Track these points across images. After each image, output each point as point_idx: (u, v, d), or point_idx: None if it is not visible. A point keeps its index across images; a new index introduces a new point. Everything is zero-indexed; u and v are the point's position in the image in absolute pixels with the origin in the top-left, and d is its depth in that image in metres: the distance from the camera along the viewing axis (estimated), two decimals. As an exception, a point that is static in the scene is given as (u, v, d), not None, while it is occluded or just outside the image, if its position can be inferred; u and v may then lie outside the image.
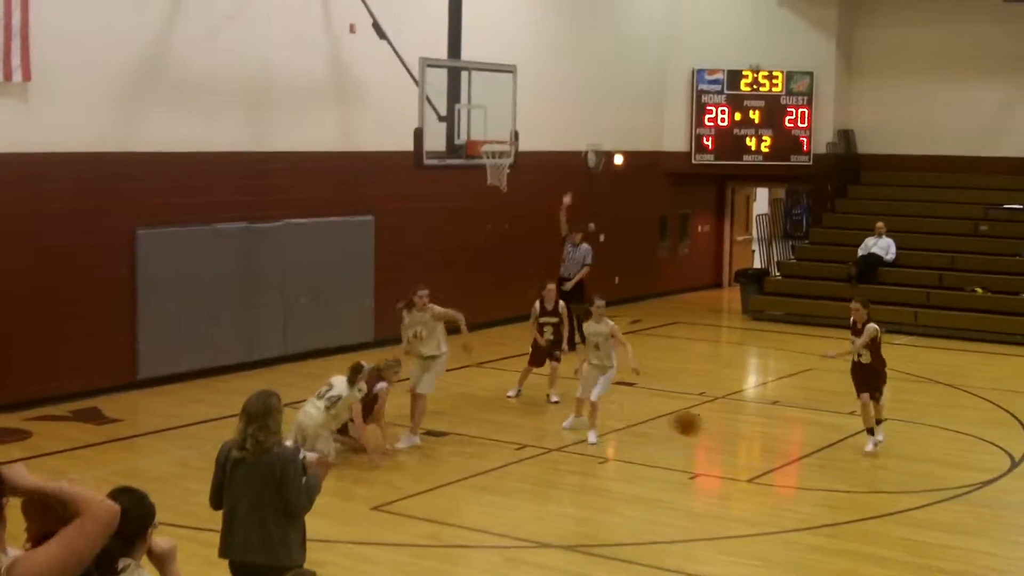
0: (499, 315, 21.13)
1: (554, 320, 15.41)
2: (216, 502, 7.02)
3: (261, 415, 6.81)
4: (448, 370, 17.38)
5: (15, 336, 14.48)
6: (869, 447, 13.11)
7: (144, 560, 4.43)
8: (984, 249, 22.47)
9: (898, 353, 19.74)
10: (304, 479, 6.85)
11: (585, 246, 19.05)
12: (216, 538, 7.12)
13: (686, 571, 9.73)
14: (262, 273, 17.14)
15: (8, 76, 14.03)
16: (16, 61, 14.04)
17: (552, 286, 15.83)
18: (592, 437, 13.33)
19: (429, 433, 13.88)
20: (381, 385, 12.52)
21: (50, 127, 14.61)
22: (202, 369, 16.29)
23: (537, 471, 12.47)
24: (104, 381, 15.33)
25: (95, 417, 14.39)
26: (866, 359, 13.24)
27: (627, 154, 24.31)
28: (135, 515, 4.41)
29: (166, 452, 12.95)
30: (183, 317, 16.10)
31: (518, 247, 21.57)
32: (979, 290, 21.49)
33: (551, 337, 15.37)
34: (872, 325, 13.17)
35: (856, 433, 13.87)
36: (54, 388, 14.76)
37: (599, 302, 13.81)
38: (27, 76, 14.16)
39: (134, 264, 15.68)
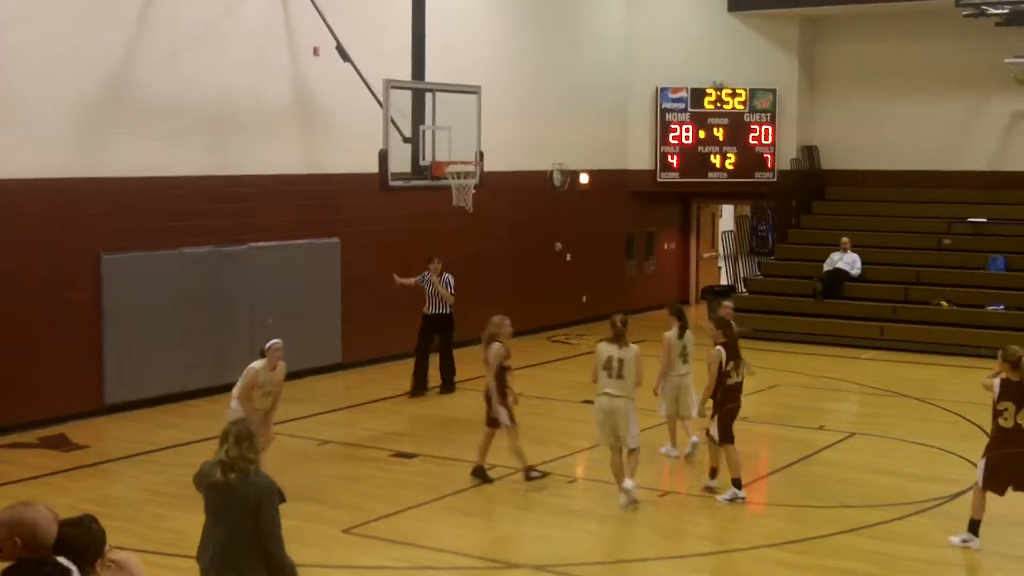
0: (464, 336, 21.10)
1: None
2: (197, 487, 6.99)
3: (247, 438, 6.80)
4: (414, 393, 17.47)
5: (-21, 364, 14.36)
6: None
7: None
8: (949, 263, 22.68)
9: (865, 368, 19.94)
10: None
11: (446, 275, 17.36)
12: (185, 563, 7.08)
13: (657, 589, 9.74)
14: (229, 296, 17.07)
15: (-30, 103, 13.96)
16: (-22, 87, 13.97)
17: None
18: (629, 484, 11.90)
19: (397, 455, 13.86)
20: (495, 346, 12.47)
21: (13, 154, 14.52)
22: (170, 394, 16.20)
23: (506, 491, 12.45)
24: (71, 407, 15.23)
25: (62, 444, 14.29)
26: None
27: (592, 173, 24.41)
28: (84, 544, 4.49)
29: (135, 478, 12.86)
30: (150, 342, 16.02)
31: (483, 267, 21.59)
32: (945, 303, 21.68)
33: None
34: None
35: (825, 448, 13.97)
36: (21, 415, 14.64)
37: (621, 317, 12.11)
38: (-11, 102, 14.09)
39: (100, 289, 15.59)
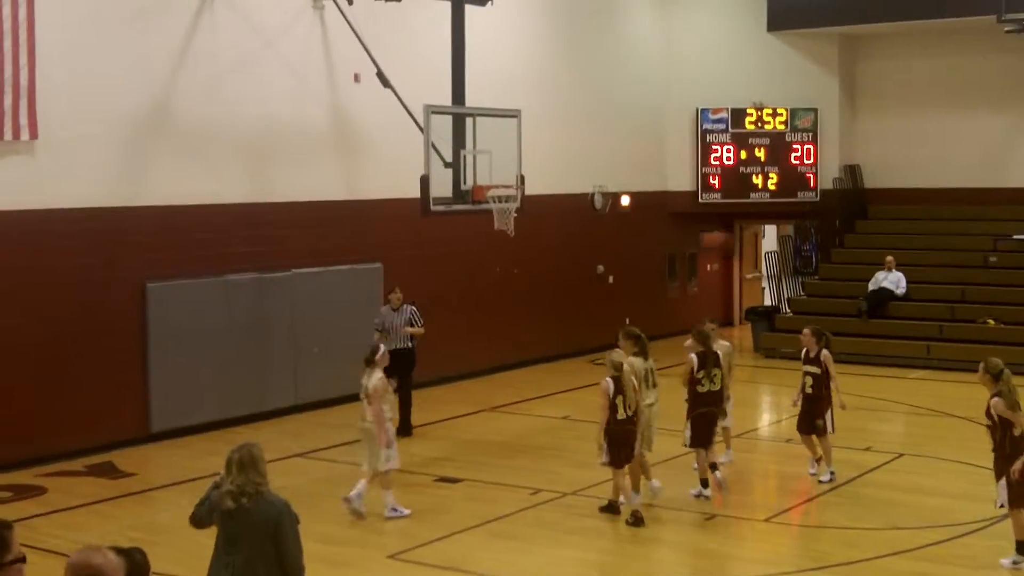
0: (509, 359, 21.15)
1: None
2: (206, 520, 6.92)
3: (251, 463, 6.76)
4: (459, 416, 17.45)
5: (28, 392, 14.49)
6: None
7: None
8: (995, 280, 22.41)
9: (912, 387, 19.73)
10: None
11: (407, 307, 16.19)
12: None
13: (705, 613, 9.66)
14: (272, 323, 17.16)
15: (16, 134, 14.13)
16: (23, 120, 14.15)
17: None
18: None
19: (442, 480, 13.84)
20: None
21: (57, 183, 14.69)
22: (214, 421, 16.27)
23: (552, 515, 12.40)
24: (117, 435, 15.33)
25: (109, 471, 14.38)
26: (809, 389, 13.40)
27: (633, 195, 24.37)
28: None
29: (180, 505, 12.83)
30: (195, 369, 16.12)
31: (527, 290, 21.59)
32: (991, 321, 21.42)
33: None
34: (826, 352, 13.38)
35: (873, 469, 13.83)
36: (68, 443, 14.76)
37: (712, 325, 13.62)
38: (34, 134, 14.26)
39: (144, 317, 15.71)
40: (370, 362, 12.27)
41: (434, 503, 12.98)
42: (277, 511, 6.71)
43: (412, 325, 16.00)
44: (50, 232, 14.67)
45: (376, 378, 12.10)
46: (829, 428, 13.40)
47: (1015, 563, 10.40)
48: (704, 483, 12.67)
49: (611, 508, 12.18)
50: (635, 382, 11.93)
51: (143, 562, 4.86)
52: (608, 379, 11.74)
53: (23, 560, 4.18)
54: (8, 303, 14.31)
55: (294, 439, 15.11)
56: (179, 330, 15.94)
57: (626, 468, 11.90)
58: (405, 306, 16.03)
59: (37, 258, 14.56)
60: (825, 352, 13.46)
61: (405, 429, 15.66)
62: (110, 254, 15.34)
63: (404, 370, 15.71)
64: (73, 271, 14.93)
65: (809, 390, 13.41)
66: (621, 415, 11.72)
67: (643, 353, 12.62)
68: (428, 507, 12.80)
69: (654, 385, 12.70)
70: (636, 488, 12.18)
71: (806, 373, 13.50)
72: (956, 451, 14.90)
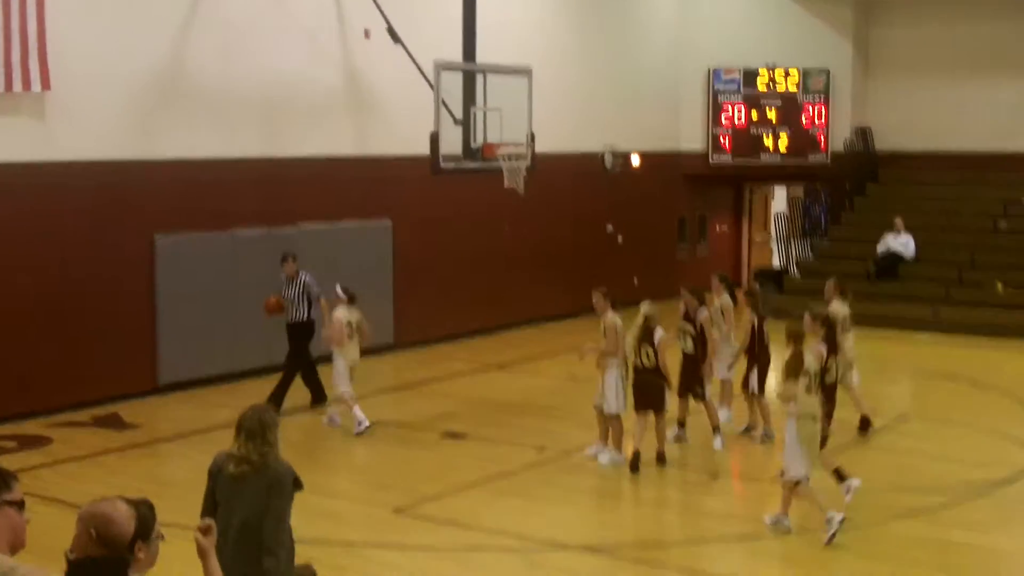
0: (517, 318, 21.16)
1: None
2: (209, 511, 6.69)
3: (260, 431, 6.69)
4: (464, 374, 17.48)
5: (37, 344, 14.54)
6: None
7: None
8: (1004, 245, 22.35)
9: (919, 350, 19.74)
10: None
11: (303, 276, 14.98)
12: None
13: (711, 571, 9.71)
14: (280, 277, 17.13)
15: (27, 86, 14.08)
16: (34, 71, 14.10)
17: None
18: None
19: (449, 435, 13.89)
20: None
21: (68, 137, 14.68)
22: (222, 374, 16.32)
23: (557, 474, 12.44)
24: (125, 387, 15.39)
25: (116, 423, 14.45)
26: (689, 349, 13.20)
27: (644, 155, 24.28)
28: (134, 527, 4.58)
29: (187, 457, 12.97)
30: (203, 323, 16.14)
31: (535, 249, 21.57)
32: (1000, 285, 21.37)
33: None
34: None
35: (877, 431, 13.84)
36: (76, 395, 14.81)
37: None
38: (46, 85, 14.22)
39: (154, 271, 15.74)
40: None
41: (440, 459, 13.03)
42: (275, 475, 6.62)
43: (308, 296, 14.85)
44: (60, 185, 14.66)
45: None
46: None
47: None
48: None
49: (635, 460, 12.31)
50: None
51: (149, 515, 4.87)
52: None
53: (21, 504, 4.23)
54: (18, 254, 14.32)
55: (301, 393, 15.14)
56: (188, 283, 15.96)
57: (648, 417, 12.30)
58: (302, 274, 14.89)
59: (47, 210, 14.56)
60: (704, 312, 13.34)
61: (318, 397, 14.94)
62: (120, 207, 15.34)
63: (300, 341, 14.94)
64: (83, 223, 14.94)
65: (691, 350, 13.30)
66: (638, 364, 12.23)
67: (616, 310, 12.70)
68: (434, 463, 12.86)
69: None
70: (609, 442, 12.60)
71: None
72: (963, 414, 14.91)
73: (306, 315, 14.94)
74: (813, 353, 10.86)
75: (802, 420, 10.24)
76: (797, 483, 10.30)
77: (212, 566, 5.08)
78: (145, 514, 4.79)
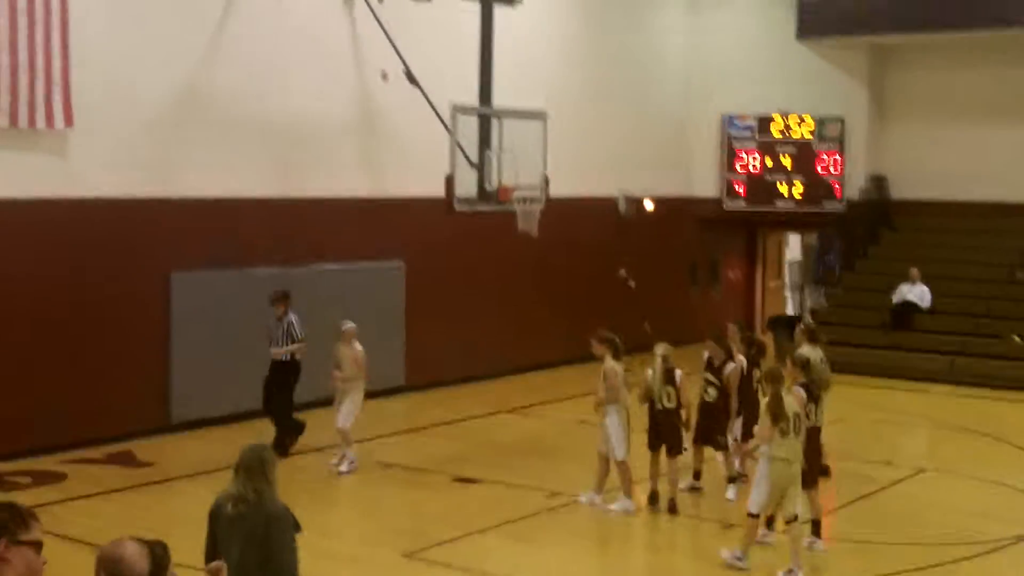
0: (529, 361, 21.10)
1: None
2: (211, 555, 6.62)
3: (260, 468, 6.66)
4: (476, 417, 17.42)
5: (51, 379, 14.53)
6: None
7: None
8: (1021, 295, 22.22)
9: (935, 402, 19.59)
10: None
11: (291, 316, 14.97)
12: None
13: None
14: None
15: (51, 123, 14.17)
16: (58, 107, 14.20)
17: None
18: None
19: (460, 480, 13.82)
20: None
21: (86, 173, 14.75)
22: (235, 413, 16.27)
23: (568, 518, 12.36)
24: (138, 424, 15.36)
25: (128, 460, 14.43)
26: (712, 399, 13.15)
27: (657, 200, 24.28)
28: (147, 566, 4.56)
29: (199, 496, 12.84)
30: (216, 360, 16.11)
31: (548, 292, 21.54)
32: (1017, 338, 21.24)
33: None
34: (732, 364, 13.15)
35: (894, 483, 13.73)
36: (89, 431, 14.78)
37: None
38: (69, 122, 14.31)
39: (168, 308, 15.75)
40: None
41: (450, 503, 12.96)
42: (269, 517, 6.57)
43: (291, 337, 14.79)
44: (78, 222, 14.71)
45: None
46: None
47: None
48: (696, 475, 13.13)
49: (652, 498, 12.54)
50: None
51: (164, 555, 4.85)
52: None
53: (40, 545, 4.19)
54: (33, 290, 14.35)
55: (310, 433, 15.11)
56: (202, 321, 15.96)
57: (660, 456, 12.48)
58: (290, 314, 14.81)
59: (64, 246, 14.61)
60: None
61: (281, 449, 14.01)
62: (137, 243, 15.38)
63: (279, 383, 14.84)
64: (100, 260, 14.98)
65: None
66: (658, 406, 12.39)
67: (618, 356, 12.64)
68: (444, 506, 12.79)
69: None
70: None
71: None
72: (978, 468, 14.79)
73: (290, 355, 14.83)
74: (794, 396, 10.85)
75: (774, 462, 10.34)
76: (756, 516, 10.63)
77: None
78: (160, 555, 4.77)
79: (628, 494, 12.42)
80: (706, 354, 13.41)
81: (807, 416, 11.09)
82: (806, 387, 11.41)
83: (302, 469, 14.06)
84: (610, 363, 12.47)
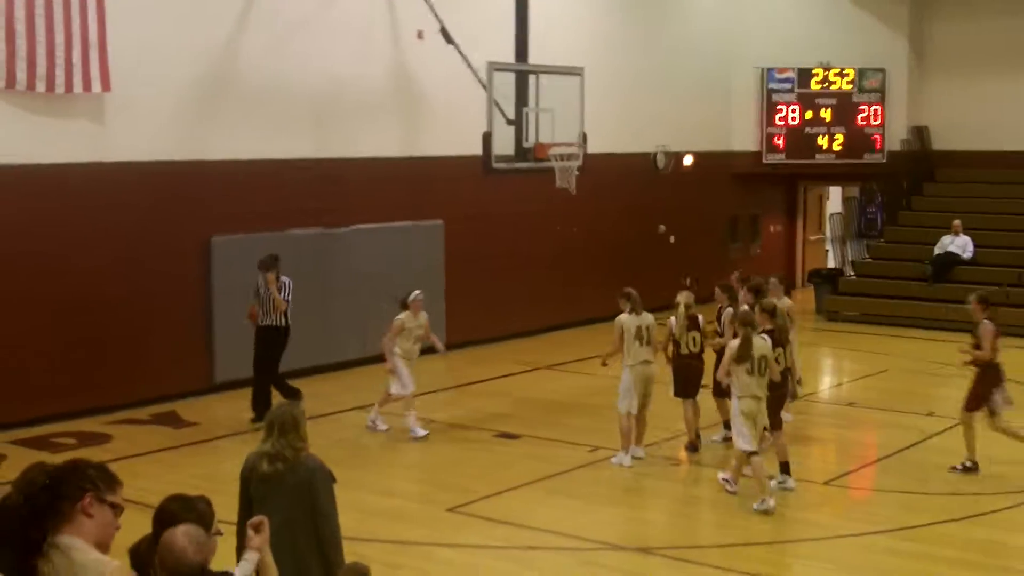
0: (568, 318, 21.14)
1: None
2: (245, 515, 6.63)
3: (293, 425, 6.71)
4: (515, 374, 17.49)
5: (97, 343, 14.74)
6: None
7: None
8: (1064, 246, 22.02)
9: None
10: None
11: (284, 280, 14.43)
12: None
13: (762, 574, 9.65)
14: (335, 277, 17.27)
15: (87, 87, 14.28)
16: (95, 72, 14.29)
17: None
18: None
19: (502, 435, 13.91)
20: None
21: (125, 137, 14.87)
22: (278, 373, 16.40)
23: (611, 474, 12.42)
24: (182, 385, 15.56)
25: (173, 421, 14.62)
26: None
27: (696, 155, 24.18)
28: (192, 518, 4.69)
29: (241, 454, 12.95)
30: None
31: (587, 249, 21.54)
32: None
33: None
34: None
35: (935, 435, 13.70)
36: (134, 392, 15.00)
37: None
38: (106, 87, 14.41)
39: (209, 271, 15.88)
40: (404, 305, 13.70)
41: (493, 459, 13.06)
42: (310, 471, 6.63)
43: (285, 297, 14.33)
44: (118, 185, 14.84)
45: (398, 317, 13.63)
46: None
47: None
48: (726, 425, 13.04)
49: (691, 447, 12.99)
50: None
51: (207, 511, 4.95)
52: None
53: (120, 509, 4.36)
54: (76, 254, 14.53)
55: (355, 393, 15.22)
56: (243, 283, 16.05)
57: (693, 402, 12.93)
58: (283, 278, 14.37)
59: (105, 210, 14.76)
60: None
61: (259, 414, 13.68)
62: (176, 208, 15.51)
63: (272, 349, 14.42)
64: (141, 224, 15.12)
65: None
66: (684, 350, 12.83)
67: (635, 310, 12.68)
68: (487, 462, 12.90)
69: (648, 343, 12.68)
70: (639, 442, 12.79)
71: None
72: (1020, 418, 14.68)
73: (281, 320, 14.40)
74: (765, 339, 11.32)
75: (743, 399, 11.04)
76: (751, 454, 11.03)
77: (268, 562, 5.13)
78: (203, 510, 4.87)
79: (624, 449, 12.58)
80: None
81: (776, 360, 11.41)
82: (771, 333, 11.61)
83: (345, 426, 14.22)
84: (618, 318, 12.69)
